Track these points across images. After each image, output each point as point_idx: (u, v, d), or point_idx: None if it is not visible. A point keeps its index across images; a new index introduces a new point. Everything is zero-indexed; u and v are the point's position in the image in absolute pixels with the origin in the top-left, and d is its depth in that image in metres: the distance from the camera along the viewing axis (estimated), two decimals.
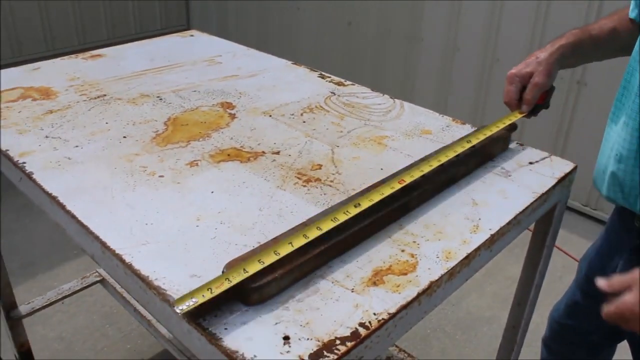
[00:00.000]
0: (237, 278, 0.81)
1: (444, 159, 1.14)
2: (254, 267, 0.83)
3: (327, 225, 0.91)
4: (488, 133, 1.25)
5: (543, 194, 1.17)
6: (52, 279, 2.69)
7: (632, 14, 1.35)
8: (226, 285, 0.80)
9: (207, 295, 0.78)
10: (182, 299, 0.78)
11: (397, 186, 1.03)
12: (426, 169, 1.10)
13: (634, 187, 1.26)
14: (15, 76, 1.67)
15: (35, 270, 2.74)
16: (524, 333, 1.53)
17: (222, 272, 0.84)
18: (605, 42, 1.35)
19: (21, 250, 2.87)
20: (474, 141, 1.22)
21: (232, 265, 0.84)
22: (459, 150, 1.18)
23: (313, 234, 0.90)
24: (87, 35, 4.48)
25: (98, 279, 2.18)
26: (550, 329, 1.75)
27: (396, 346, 1.95)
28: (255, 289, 0.82)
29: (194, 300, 0.78)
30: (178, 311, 0.77)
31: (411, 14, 3.59)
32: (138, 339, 2.39)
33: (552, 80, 1.32)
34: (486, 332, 2.51)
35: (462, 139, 1.24)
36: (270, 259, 0.84)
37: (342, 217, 0.94)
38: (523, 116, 1.34)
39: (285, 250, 0.86)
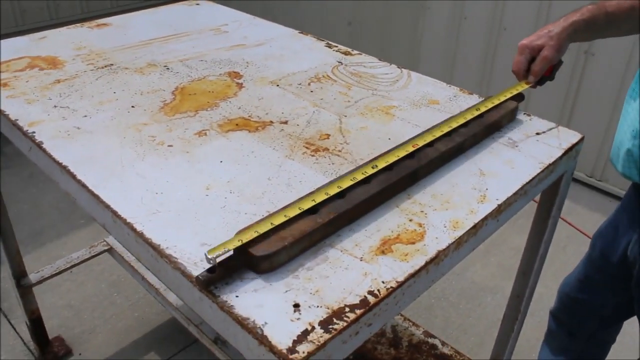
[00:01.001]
0: (263, 228, 0.85)
1: (454, 124, 1.16)
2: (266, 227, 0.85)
3: (346, 184, 0.96)
4: (496, 102, 1.26)
5: (550, 165, 1.17)
6: (60, 248, 2.71)
7: None
8: (254, 235, 0.84)
9: (237, 244, 0.82)
10: (214, 249, 0.80)
11: (410, 149, 1.06)
12: (437, 133, 1.12)
13: None
14: (22, 45, 1.66)
15: (43, 240, 2.77)
16: (528, 302, 1.54)
17: (235, 239, 0.85)
18: (622, 19, 1.33)
19: (29, 220, 2.90)
20: (482, 109, 1.23)
21: (240, 232, 0.85)
22: (468, 117, 1.19)
23: (333, 190, 0.93)
24: (90, 3, 4.44)
25: (106, 248, 2.20)
26: (560, 301, 1.76)
27: (401, 315, 1.98)
28: (266, 257, 0.83)
29: (225, 249, 0.81)
30: (210, 257, 0.79)
31: None
32: (145, 307, 2.42)
33: (561, 54, 1.33)
34: (490, 302, 2.54)
35: (470, 107, 1.24)
36: (280, 219, 0.87)
37: (360, 176, 0.97)
38: (529, 86, 1.34)
39: (305, 205, 0.90)
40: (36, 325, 2.12)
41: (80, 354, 2.18)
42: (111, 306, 2.42)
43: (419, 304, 2.48)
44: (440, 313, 2.47)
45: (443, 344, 1.87)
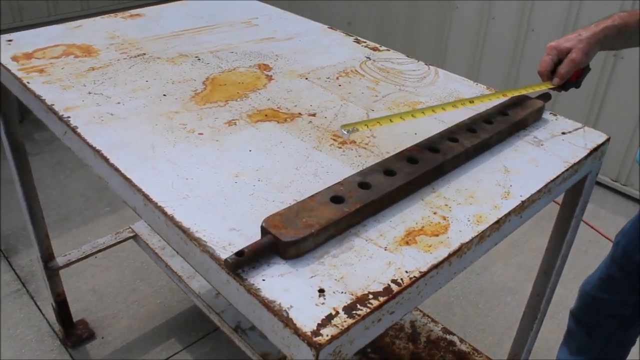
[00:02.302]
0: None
1: (477, 101, 1.24)
2: None
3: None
4: (523, 92, 1.30)
5: (575, 164, 1.18)
6: (86, 233, 2.77)
7: None
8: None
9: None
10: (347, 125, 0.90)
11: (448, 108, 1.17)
12: (463, 104, 1.21)
13: None
14: (57, 33, 1.70)
15: (70, 225, 2.82)
16: (548, 302, 1.55)
17: (261, 227, 0.87)
18: None
19: (56, 205, 2.96)
20: (509, 94, 1.28)
21: (270, 221, 0.88)
22: (493, 98, 1.26)
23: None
24: None
25: (131, 234, 2.24)
26: (581, 300, 1.76)
27: (420, 311, 1.99)
28: (293, 243, 0.85)
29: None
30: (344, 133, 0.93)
31: None
32: (168, 294, 2.46)
33: (589, 59, 1.32)
34: (509, 302, 2.54)
35: (496, 92, 1.27)
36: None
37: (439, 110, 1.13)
38: (551, 89, 1.34)
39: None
40: (61, 307, 2.17)
41: (102, 338, 2.23)
42: (134, 292, 2.46)
43: (438, 301, 2.49)
44: (459, 311, 2.47)
45: (461, 341, 1.88)
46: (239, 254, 0.82)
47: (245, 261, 0.83)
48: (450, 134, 1.16)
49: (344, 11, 4.22)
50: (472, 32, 3.54)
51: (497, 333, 2.37)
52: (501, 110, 1.27)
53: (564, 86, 1.36)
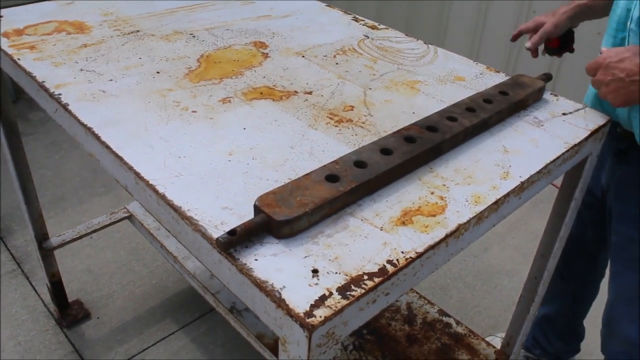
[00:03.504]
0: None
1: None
2: None
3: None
4: None
5: (575, 145, 1.16)
6: (81, 214, 2.75)
7: None
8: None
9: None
10: None
11: None
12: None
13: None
14: (50, 10, 1.67)
15: (65, 205, 2.80)
16: (545, 285, 1.53)
17: (254, 205, 0.85)
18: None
19: (51, 186, 2.93)
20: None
21: (263, 199, 0.86)
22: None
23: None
24: None
25: (126, 215, 2.22)
26: None
27: (416, 292, 1.98)
28: (286, 222, 0.83)
29: None
30: None
31: None
32: (163, 275, 2.45)
33: (558, 30, 1.51)
34: (506, 285, 2.53)
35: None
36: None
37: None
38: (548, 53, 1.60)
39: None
40: (56, 287, 2.15)
41: (98, 318, 2.22)
42: (129, 273, 2.45)
43: (435, 283, 2.48)
44: (456, 293, 2.47)
45: (457, 323, 1.87)
46: (231, 232, 0.80)
47: (238, 240, 0.81)
48: (449, 113, 1.13)
49: None
50: (473, 14, 3.50)
51: (494, 315, 2.36)
52: (501, 90, 1.24)
53: (556, 52, 1.59)
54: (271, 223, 0.83)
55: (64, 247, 2.10)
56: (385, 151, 0.99)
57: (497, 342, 2.07)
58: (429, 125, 1.08)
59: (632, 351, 1.52)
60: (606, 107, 1.36)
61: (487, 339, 1.88)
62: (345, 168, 0.94)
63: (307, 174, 0.92)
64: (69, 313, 2.20)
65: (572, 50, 1.59)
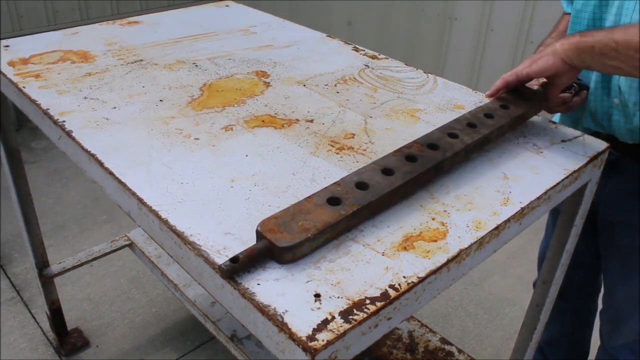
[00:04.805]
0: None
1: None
2: None
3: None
4: None
5: (574, 172, 1.17)
6: (82, 242, 2.75)
7: (566, 9, 1.47)
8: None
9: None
10: None
11: None
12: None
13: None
14: (55, 40, 1.70)
15: (65, 233, 2.81)
16: (547, 312, 1.53)
17: (256, 231, 0.86)
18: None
19: (52, 213, 2.94)
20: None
21: (265, 224, 0.86)
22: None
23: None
24: (120, 5, 4.51)
25: (127, 242, 2.23)
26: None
27: (418, 321, 1.97)
28: (288, 248, 0.83)
29: None
30: None
31: None
32: (163, 303, 2.44)
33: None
34: (507, 314, 2.52)
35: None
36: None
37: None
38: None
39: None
40: (56, 315, 2.14)
41: (97, 346, 2.21)
42: (129, 301, 2.44)
43: (436, 311, 2.47)
44: (458, 322, 2.46)
45: (459, 351, 1.86)
46: (234, 260, 0.81)
47: (240, 268, 0.81)
48: (450, 129, 1.13)
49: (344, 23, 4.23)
50: (471, 44, 3.55)
51: (496, 344, 2.35)
52: (502, 104, 1.24)
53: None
54: (273, 249, 0.83)
55: (64, 274, 2.10)
56: (387, 171, 0.99)
57: None
58: (430, 142, 1.08)
59: (636, 345, 1.63)
60: (595, 119, 1.38)
61: None
62: (347, 190, 0.94)
63: (308, 197, 0.92)
64: (68, 341, 2.19)
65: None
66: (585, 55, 1.12)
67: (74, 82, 1.41)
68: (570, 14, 1.42)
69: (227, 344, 1.75)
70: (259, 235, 0.86)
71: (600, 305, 1.79)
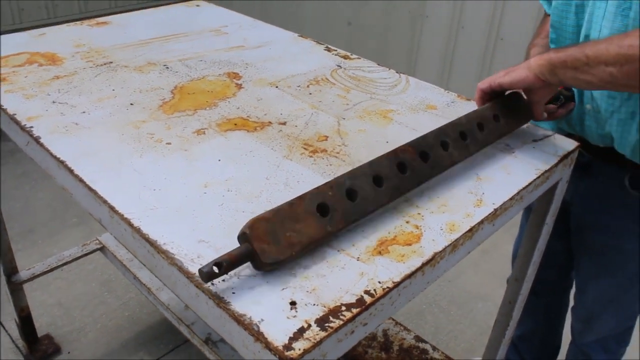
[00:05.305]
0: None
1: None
2: None
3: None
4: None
5: (546, 171, 1.18)
6: (52, 246, 2.70)
7: (547, 10, 1.46)
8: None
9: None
10: None
11: None
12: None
13: None
14: (21, 41, 1.66)
15: (35, 238, 2.76)
16: (520, 309, 1.55)
17: (244, 233, 0.82)
18: None
19: (21, 218, 2.88)
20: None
21: (255, 228, 0.82)
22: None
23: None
24: (89, 3, 4.44)
25: (98, 246, 2.19)
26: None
27: (392, 319, 1.98)
28: (272, 263, 0.82)
29: None
30: None
31: None
32: (136, 306, 2.41)
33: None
34: (481, 309, 2.55)
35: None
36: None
37: None
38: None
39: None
40: (25, 322, 2.11)
41: (69, 353, 2.17)
42: (101, 305, 2.41)
43: (410, 309, 2.49)
44: (431, 319, 2.47)
45: (434, 348, 1.87)
46: (218, 266, 0.78)
47: (222, 273, 0.79)
48: (444, 137, 1.11)
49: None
50: (443, 42, 3.57)
51: (469, 340, 2.37)
52: (495, 114, 1.22)
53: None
54: (255, 259, 0.81)
55: (33, 280, 2.06)
56: (378, 180, 0.97)
57: None
58: (422, 150, 1.06)
59: (606, 341, 1.70)
60: (570, 124, 1.40)
61: None
62: (337, 197, 0.91)
63: (300, 198, 0.88)
64: (38, 349, 2.15)
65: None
66: (559, 69, 1.13)
67: (41, 86, 1.39)
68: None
69: (201, 347, 1.74)
70: (245, 237, 0.82)
71: (571, 302, 1.82)
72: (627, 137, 1.30)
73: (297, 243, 0.85)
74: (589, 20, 1.26)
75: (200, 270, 0.77)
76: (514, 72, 1.20)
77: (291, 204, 0.88)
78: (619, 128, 1.30)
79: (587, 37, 1.27)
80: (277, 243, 0.83)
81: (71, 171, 1.06)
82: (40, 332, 2.20)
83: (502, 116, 1.23)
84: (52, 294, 2.44)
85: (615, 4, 1.19)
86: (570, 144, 1.28)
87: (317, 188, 0.91)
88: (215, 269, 0.77)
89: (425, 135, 1.10)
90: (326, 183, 0.93)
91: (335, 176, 1.05)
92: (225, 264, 0.78)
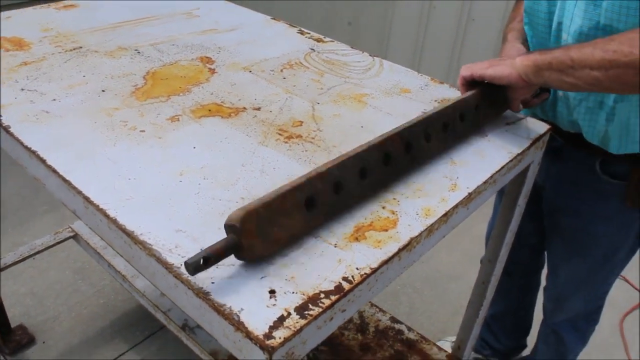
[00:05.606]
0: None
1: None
2: None
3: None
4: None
5: (518, 155, 1.20)
6: (22, 234, 2.66)
7: None
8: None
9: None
10: None
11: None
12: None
13: None
14: None
15: (4, 226, 2.71)
16: (492, 289, 1.58)
17: (232, 225, 0.80)
18: None
19: None
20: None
21: (246, 221, 0.80)
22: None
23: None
24: None
25: (71, 234, 2.17)
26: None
27: (368, 301, 2.00)
28: (261, 256, 0.83)
29: None
30: None
31: None
32: (111, 294, 2.39)
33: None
34: (454, 289, 2.58)
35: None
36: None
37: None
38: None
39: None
40: None
41: (43, 342, 2.15)
42: (75, 293, 2.38)
43: (385, 291, 2.51)
44: (406, 299, 2.51)
45: (409, 329, 1.90)
46: (205, 260, 0.76)
47: (208, 266, 0.79)
48: (428, 128, 1.11)
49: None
50: (414, 22, 3.57)
51: (443, 320, 2.41)
52: (478, 104, 1.23)
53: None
54: (243, 252, 0.81)
55: (5, 270, 2.03)
56: (363, 173, 0.97)
57: (447, 346, 2.11)
58: (408, 142, 1.06)
59: (576, 320, 1.78)
60: (544, 110, 1.43)
61: (438, 343, 1.91)
62: (325, 189, 0.91)
63: (292, 191, 0.86)
64: (12, 339, 2.12)
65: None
66: (544, 71, 1.14)
67: (9, 73, 1.35)
68: None
69: (178, 334, 1.74)
70: (233, 230, 0.80)
71: (543, 282, 1.86)
72: (594, 126, 1.32)
73: (283, 237, 0.85)
74: (561, 7, 1.27)
75: (186, 263, 0.76)
76: (497, 66, 1.21)
77: (283, 196, 0.85)
78: (587, 116, 1.32)
79: (559, 24, 1.28)
80: (264, 238, 0.82)
81: (43, 161, 1.04)
82: (14, 323, 2.17)
83: (482, 107, 1.24)
84: (25, 283, 2.40)
85: None
86: (542, 127, 1.30)
87: (308, 179, 0.89)
88: (201, 262, 0.76)
89: (413, 124, 1.09)
90: (318, 174, 0.91)
91: (312, 161, 1.06)
92: (212, 258, 0.78)
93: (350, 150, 0.98)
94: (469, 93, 1.23)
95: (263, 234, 0.82)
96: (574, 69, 1.09)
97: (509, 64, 1.20)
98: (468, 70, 1.26)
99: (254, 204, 0.82)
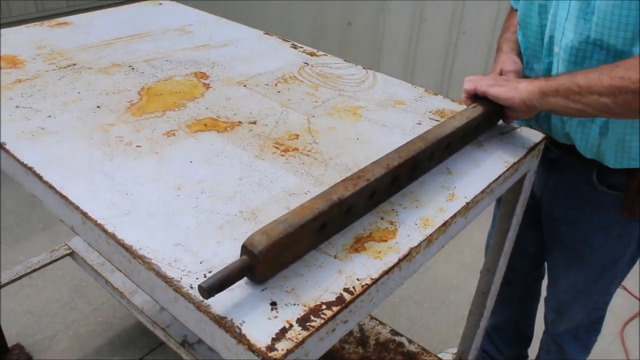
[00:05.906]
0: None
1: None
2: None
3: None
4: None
5: (515, 163, 1.20)
6: (18, 252, 2.65)
7: (515, 6, 1.50)
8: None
9: None
10: None
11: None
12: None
13: None
14: None
15: None
16: (493, 299, 1.58)
17: (252, 252, 0.79)
18: None
19: None
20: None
21: (265, 252, 0.79)
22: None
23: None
24: (45, 3, 4.34)
25: (68, 252, 2.16)
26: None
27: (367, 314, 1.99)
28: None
29: None
30: None
31: None
32: (109, 311, 2.38)
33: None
34: (453, 300, 2.58)
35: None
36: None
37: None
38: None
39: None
40: None
41: None
42: (73, 311, 2.37)
43: (384, 303, 2.49)
44: (405, 312, 2.50)
45: (410, 341, 1.89)
46: (221, 285, 0.75)
47: (222, 289, 0.77)
48: (434, 149, 1.10)
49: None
50: (405, 35, 3.59)
51: (444, 331, 2.40)
52: (479, 123, 1.23)
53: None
54: (256, 275, 0.80)
55: (1, 289, 2.01)
56: (372, 195, 0.97)
57: (449, 357, 2.10)
58: (415, 163, 1.06)
59: (578, 330, 1.76)
60: (538, 122, 1.43)
61: (439, 355, 1.91)
62: (339, 213, 0.90)
63: (313, 220, 0.85)
64: (9, 359, 2.10)
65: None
66: (550, 98, 1.15)
67: (3, 90, 1.35)
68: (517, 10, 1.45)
69: (178, 350, 1.73)
70: (250, 254, 0.78)
71: (543, 292, 1.86)
72: (587, 139, 1.32)
73: (291, 258, 0.86)
74: (552, 20, 1.28)
75: (200, 287, 0.75)
76: (501, 87, 1.22)
77: (302, 227, 0.84)
78: (579, 129, 1.32)
79: (551, 37, 1.29)
80: (277, 262, 0.83)
81: (40, 178, 1.04)
82: (11, 342, 2.15)
83: (482, 124, 1.25)
84: (21, 302, 2.39)
85: (577, 6, 1.21)
86: (536, 136, 1.31)
87: (330, 207, 0.88)
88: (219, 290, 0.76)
89: (424, 149, 1.07)
90: (336, 200, 0.89)
91: (309, 174, 1.07)
92: (228, 282, 0.77)
93: (365, 171, 0.97)
94: (473, 112, 1.22)
95: (275, 259, 0.82)
96: (581, 95, 1.10)
97: (513, 87, 1.20)
98: (472, 84, 1.27)
99: (277, 233, 0.80)
